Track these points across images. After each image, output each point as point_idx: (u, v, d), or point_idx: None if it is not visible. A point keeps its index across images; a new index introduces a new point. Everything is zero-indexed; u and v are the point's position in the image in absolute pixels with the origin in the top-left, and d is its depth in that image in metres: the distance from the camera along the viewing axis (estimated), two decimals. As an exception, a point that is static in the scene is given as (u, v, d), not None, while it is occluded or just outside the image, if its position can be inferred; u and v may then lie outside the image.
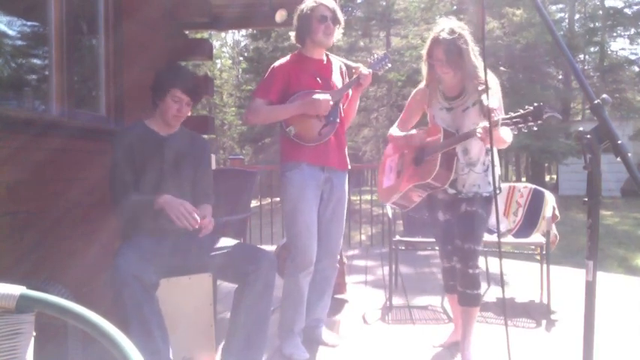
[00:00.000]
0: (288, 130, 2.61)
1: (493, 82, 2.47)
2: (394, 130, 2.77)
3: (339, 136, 2.71)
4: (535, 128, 2.11)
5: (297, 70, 2.64)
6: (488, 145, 2.47)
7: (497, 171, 2.63)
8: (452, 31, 2.41)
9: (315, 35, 2.61)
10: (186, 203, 2.12)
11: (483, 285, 3.29)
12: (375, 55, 2.81)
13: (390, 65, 2.84)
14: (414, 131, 2.63)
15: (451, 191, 2.57)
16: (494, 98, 2.37)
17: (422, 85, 2.67)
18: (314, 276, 2.71)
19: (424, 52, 2.55)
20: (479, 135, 2.28)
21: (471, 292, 2.54)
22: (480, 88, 2.42)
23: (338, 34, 2.69)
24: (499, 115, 2.24)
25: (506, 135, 2.34)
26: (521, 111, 2.12)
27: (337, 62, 2.82)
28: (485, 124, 2.23)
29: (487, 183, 2.54)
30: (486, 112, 2.15)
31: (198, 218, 2.09)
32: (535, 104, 2.10)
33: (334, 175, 2.70)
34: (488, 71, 2.50)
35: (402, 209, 2.82)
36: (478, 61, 2.45)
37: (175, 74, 2.29)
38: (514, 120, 2.14)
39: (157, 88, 2.28)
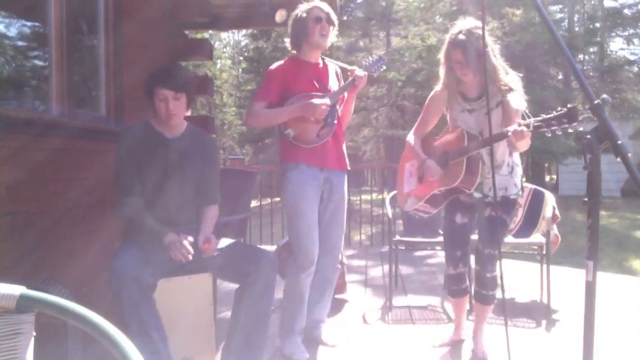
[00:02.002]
0: (286, 132, 2.63)
1: (516, 82, 2.41)
2: (411, 138, 2.72)
3: (337, 137, 2.73)
4: (570, 131, 1.90)
5: (294, 73, 2.66)
6: (519, 149, 2.40)
7: (521, 170, 2.60)
8: (469, 32, 2.36)
9: (312, 37, 2.62)
10: (186, 242, 2.12)
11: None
12: (371, 58, 2.84)
13: (385, 67, 2.87)
14: (432, 163, 2.53)
15: (477, 195, 2.52)
16: (521, 99, 2.32)
17: (439, 87, 2.59)
18: (314, 276, 2.71)
19: (441, 54, 2.50)
20: (509, 135, 2.17)
21: (486, 293, 2.57)
22: (505, 88, 2.36)
23: (333, 37, 2.71)
24: (521, 118, 2.16)
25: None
26: (555, 113, 1.97)
27: (333, 66, 2.85)
28: (515, 126, 2.12)
29: (513, 185, 2.51)
30: (487, 117, 2.11)
31: (191, 249, 2.10)
32: (569, 105, 1.93)
33: (333, 175, 2.71)
34: (511, 71, 2.45)
35: (424, 216, 2.73)
36: (498, 61, 2.39)
37: (153, 74, 2.25)
38: (547, 122, 2.00)
39: (146, 92, 2.26)
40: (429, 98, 2.67)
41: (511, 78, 2.42)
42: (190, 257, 2.10)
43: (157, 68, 2.28)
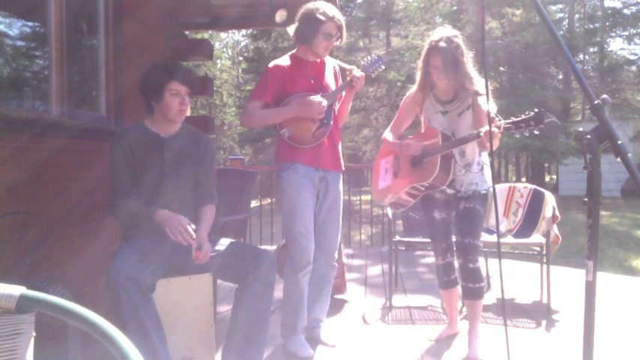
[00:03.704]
0: (282, 132, 2.63)
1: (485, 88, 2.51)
2: (388, 135, 2.82)
3: (333, 137, 2.72)
4: (536, 132, 2.21)
5: (291, 72, 2.65)
6: (493, 147, 2.52)
7: (489, 171, 2.71)
8: (449, 40, 2.49)
9: (316, 48, 2.63)
10: (182, 218, 2.10)
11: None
12: (369, 57, 2.82)
13: (383, 67, 2.86)
14: (409, 140, 2.68)
15: (450, 191, 2.66)
16: (492, 104, 2.46)
17: (413, 89, 2.73)
18: (311, 275, 2.72)
19: (420, 59, 2.62)
20: (481, 135, 2.36)
21: (472, 286, 2.64)
22: (476, 92, 2.51)
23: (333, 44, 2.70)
24: (502, 120, 2.33)
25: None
26: (523, 116, 2.22)
27: (331, 62, 2.83)
28: (486, 128, 2.29)
29: (484, 181, 2.65)
30: (487, 116, 2.22)
31: (193, 234, 2.09)
32: (536, 110, 2.19)
33: (329, 174, 2.72)
34: (482, 79, 2.57)
35: (398, 209, 2.89)
36: (472, 72, 2.54)
37: (165, 69, 2.23)
38: (517, 124, 2.23)
39: (151, 89, 2.23)
40: (404, 99, 2.82)
41: (482, 84, 2.56)
42: (192, 240, 2.07)
43: (163, 64, 2.27)
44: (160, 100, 2.23)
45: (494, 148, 2.47)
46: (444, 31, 2.55)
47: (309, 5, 2.63)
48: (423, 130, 2.73)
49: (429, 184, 2.58)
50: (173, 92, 2.21)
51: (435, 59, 2.51)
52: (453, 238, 2.73)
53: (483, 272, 2.77)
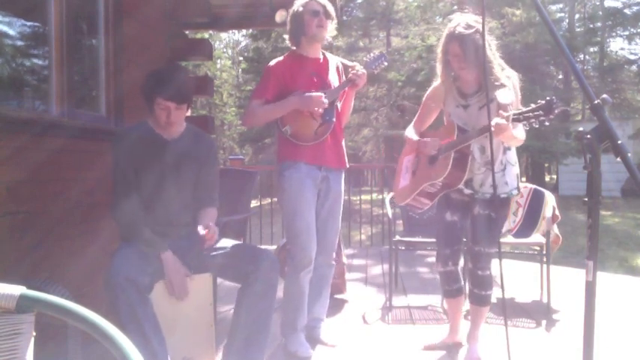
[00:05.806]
0: (284, 129, 2.62)
1: (512, 78, 2.41)
2: (409, 131, 2.70)
3: (336, 135, 2.72)
4: (547, 123, 2.04)
5: (292, 70, 2.65)
6: (506, 144, 2.44)
7: (516, 170, 2.55)
8: (468, 26, 2.34)
9: (309, 30, 2.61)
10: (183, 272, 2.14)
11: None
12: (371, 54, 2.81)
13: (386, 64, 2.83)
14: (427, 138, 2.55)
15: (467, 191, 2.50)
16: (509, 94, 2.30)
17: (437, 82, 2.59)
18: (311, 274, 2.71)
19: (439, 48, 2.48)
20: (492, 129, 2.15)
21: (478, 292, 2.55)
22: (497, 83, 2.34)
23: (332, 30, 2.69)
24: (512, 110, 2.17)
25: (518, 132, 2.28)
26: (533, 105, 2.07)
27: (334, 60, 2.82)
28: (498, 119, 2.14)
29: (504, 183, 2.47)
30: (488, 114, 2.08)
31: (187, 290, 2.13)
32: (547, 98, 2.03)
33: (331, 173, 2.71)
34: (508, 67, 2.44)
35: (417, 211, 2.73)
36: (494, 57, 2.39)
37: (156, 82, 2.19)
38: (525, 115, 2.07)
39: (144, 96, 2.22)
40: (427, 94, 2.68)
41: (506, 74, 2.41)
42: (185, 295, 2.12)
43: (157, 74, 2.23)
44: (150, 109, 2.23)
45: (512, 142, 2.32)
46: (462, 17, 2.40)
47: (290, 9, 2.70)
48: (444, 125, 2.59)
49: (443, 183, 2.44)
50: (161, 107, 2.18)
51: (453, 46, 2.37)
52: (463, 243, 2.63)
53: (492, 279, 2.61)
